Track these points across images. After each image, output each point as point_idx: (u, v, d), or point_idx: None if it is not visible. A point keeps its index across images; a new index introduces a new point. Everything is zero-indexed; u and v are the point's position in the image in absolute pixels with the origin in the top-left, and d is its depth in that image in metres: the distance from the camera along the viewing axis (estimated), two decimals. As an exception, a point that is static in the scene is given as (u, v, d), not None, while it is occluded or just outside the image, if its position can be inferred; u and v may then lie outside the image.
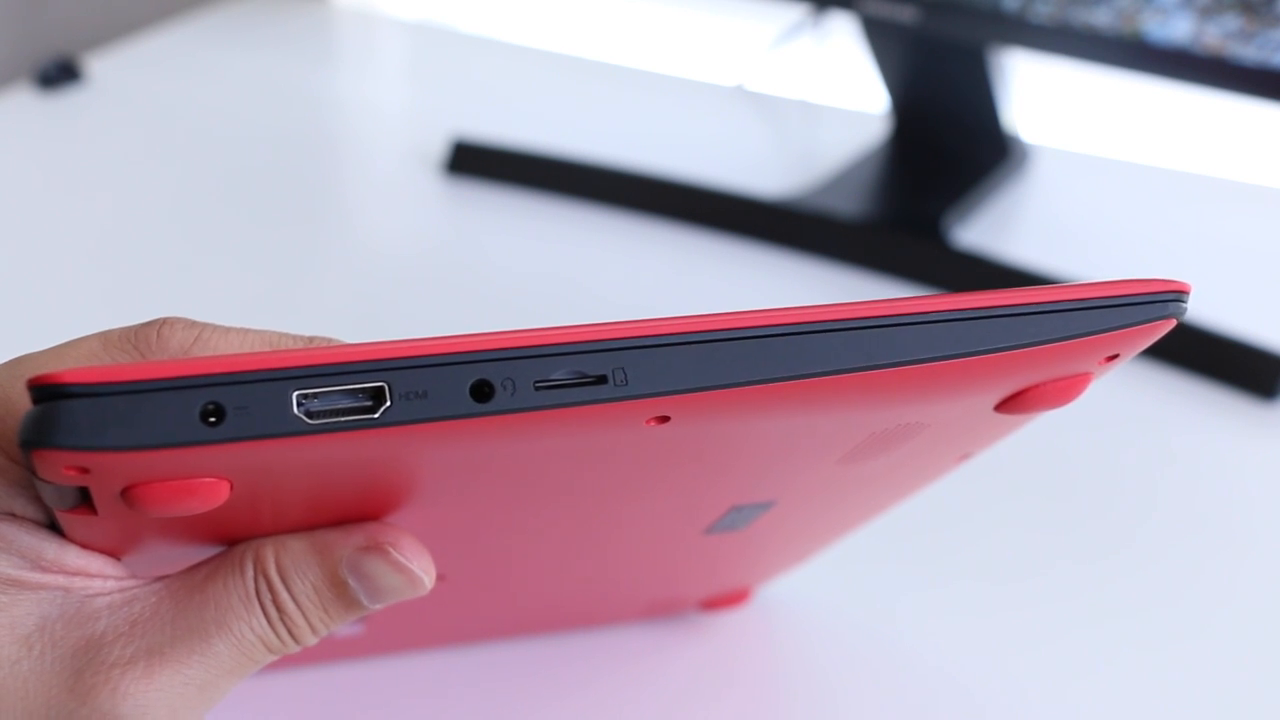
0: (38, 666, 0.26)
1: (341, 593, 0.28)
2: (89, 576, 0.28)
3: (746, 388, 0.24)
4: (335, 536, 0.28)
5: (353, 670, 0.43)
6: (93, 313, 0.65)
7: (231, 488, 0.24)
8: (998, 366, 0.26)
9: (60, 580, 0.27)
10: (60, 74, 0.89)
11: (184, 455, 0.22)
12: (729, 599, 0.46)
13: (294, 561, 0.28)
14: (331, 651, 0.42)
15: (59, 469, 0.22)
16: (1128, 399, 0.59)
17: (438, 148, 0.82)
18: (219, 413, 0.22)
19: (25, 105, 0.87)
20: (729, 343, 0.24)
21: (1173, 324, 0.27)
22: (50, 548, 0.27)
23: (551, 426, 0.24)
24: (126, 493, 0.23)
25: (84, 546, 0.28)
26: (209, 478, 0.23)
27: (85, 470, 0.22)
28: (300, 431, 0.22)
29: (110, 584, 0.28)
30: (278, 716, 0.42)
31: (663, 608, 0.45)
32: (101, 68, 0.92)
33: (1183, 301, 0.27)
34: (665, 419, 0.25)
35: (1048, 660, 0.45)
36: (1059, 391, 0.28)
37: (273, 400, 0.22)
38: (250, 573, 0.27)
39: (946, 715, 0.43)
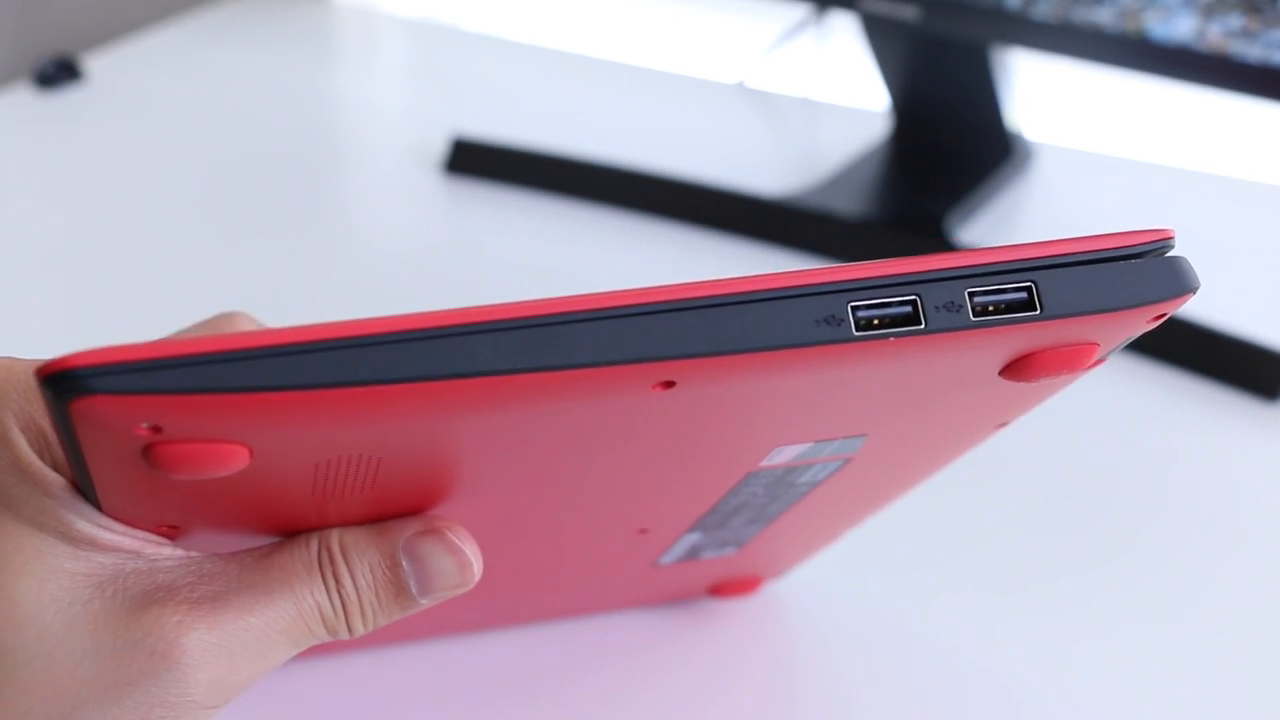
0: (110, 604, 0.28)
1: (396, 575, 0.30)
2: (157, 547, 0.29)
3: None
4: (393, 524, 0.31)
5: (357, 660, 0.43)
6: (92, 311, 0.65)
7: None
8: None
9: (131, 544, 0.29)
10: (60, 73, 0.89)
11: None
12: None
13: (355, 542, 0.30)
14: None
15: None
16: (1129, 399, 0.59)
17: (438, 146, 0.82)
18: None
19: (24, 104, 0.87)
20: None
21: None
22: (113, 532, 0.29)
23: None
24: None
25: None
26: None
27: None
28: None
29: (178, 553, 0.30)
30: (278, 716, 0.42)
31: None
32: (101, 67, 0.92)
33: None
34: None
35: (1048, 650, 0.45)
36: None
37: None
38: (315, 546, 0.30)
39: (955, 702, 0.43)
